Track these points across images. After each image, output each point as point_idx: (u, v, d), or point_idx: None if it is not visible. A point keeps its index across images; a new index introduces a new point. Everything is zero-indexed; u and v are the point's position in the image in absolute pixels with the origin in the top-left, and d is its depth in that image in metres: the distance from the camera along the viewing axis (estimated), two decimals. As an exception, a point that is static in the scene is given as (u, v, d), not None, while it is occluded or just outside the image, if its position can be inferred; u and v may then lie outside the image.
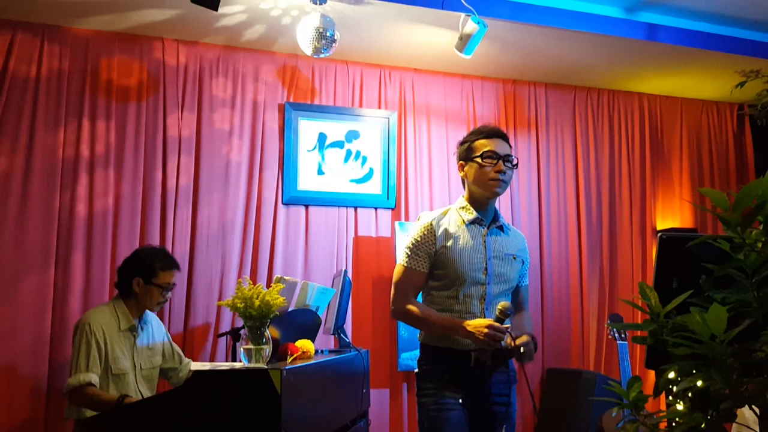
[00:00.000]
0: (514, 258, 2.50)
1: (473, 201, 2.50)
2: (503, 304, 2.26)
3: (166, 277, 3.01)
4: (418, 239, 2.45)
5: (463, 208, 2.50)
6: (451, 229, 2.45)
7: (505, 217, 4.59)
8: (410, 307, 2.43)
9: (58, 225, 3.69)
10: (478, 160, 2.44)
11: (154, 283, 2.97)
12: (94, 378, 2.78)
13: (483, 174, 2.43)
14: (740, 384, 1.19)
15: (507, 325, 2.27)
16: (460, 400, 2.36)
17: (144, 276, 2.98)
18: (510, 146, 2.51)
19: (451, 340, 2.38)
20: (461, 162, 2.52)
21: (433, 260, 2.43)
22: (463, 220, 2.47)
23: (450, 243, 2.42)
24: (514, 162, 2.49)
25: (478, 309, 2.41)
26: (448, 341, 2.39)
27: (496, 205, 2.55)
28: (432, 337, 2.44)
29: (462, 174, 2.53)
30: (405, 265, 2.46)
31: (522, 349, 2.28)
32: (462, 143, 2.54)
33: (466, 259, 2.40)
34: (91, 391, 2.75)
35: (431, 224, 2.46)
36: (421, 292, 2.52)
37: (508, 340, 2.30)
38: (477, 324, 2.28)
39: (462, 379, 2.37)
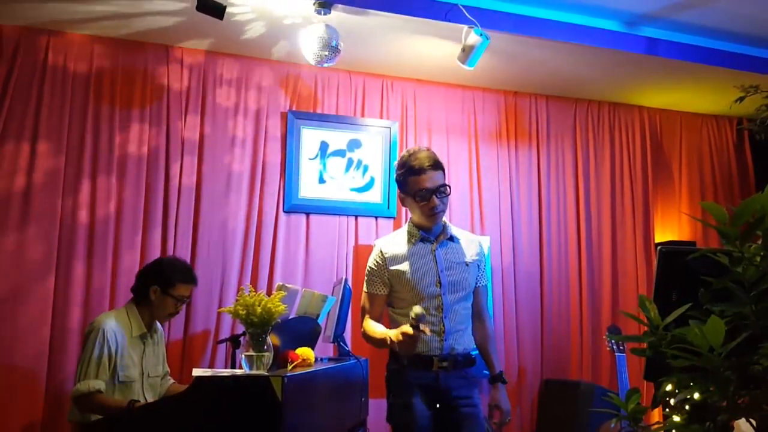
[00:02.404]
0: (467, 264, 2.65)
1: (418, 224, 2.66)
2: (415, 309, 2.33)
3: (184, 290, 3.00)
4: (373, 266, 2.67)
5: (409, 230, 2.67)
6: (401, 252, 2.63)
7: (505, 228, 4.63)
8: (365, 326, 2.64)
9: (59, 231, 3.70)
10: (411, 199, 2.60)
11: (171, 294, 2.96)
12: (102, 385, 2.75)
13: (419, 210, 2.60)
14: (737, 396, 1.20)
15: (423, 328, 2.33)
16: (426, 402, 2.50)
17: (162, 285, 2.96)
18: (443, 170, 2.62)
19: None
20: (401, 194, 2.68)
21: (389, 283, 2.62)
22: (411, 241, 2.64)
23: (401, 265, 2.60)
24: (447, 192, 2.61)
25: (437, 318, 2.54)
26: None
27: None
28: None
29: (403, 204, 2.71)
30: (365, 290, 2.69)
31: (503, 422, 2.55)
32: (398, 170, 2.65)
33: (417, 276, 2.57)
34: (100, 398, 2.73)
35: (381, 251, 2.66)
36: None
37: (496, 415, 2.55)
38: (394, 333, 2.41)
39: (425, 383, 2.51)
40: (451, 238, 2.67)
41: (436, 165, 2.58)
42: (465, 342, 2.60)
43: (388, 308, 2.70)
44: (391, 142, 4.45)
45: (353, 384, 3.05)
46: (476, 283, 2.68)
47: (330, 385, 2.81)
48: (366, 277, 2.69)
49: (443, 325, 2.54)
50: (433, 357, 2.51)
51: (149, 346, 3.02)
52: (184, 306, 3.12)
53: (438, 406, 2.51)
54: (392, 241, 2.68)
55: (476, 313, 2.71)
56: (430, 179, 2.56)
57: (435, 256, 2.60)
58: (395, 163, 2.74)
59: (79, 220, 3.74)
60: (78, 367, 2.82)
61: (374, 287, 2.64)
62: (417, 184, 2.56)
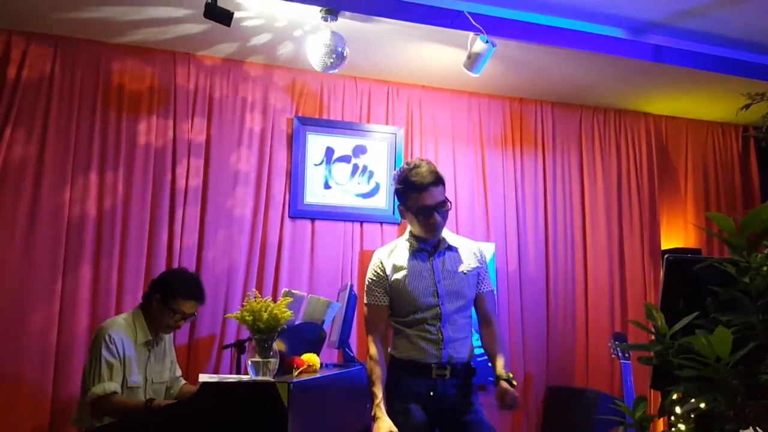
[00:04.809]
0: (465, 273, 2.64)
1: (417, 235, 2.66)
2: None
3: (184, 305, 2.94)
4: (373, 277, 2.66)
5: (407, 240, 2.68)
6: (399, 262, 2.63)
7: (511, 235, 4.62)
8: (371, 354, 2.59)
9: (66, 232, 3.72)
10: (411, 214, 2.59)
11: (170, 306, 2.92)
12: (117, 387, 2.76)
13: (419, 225, 2.60)
14: (744, 406, 1.20)
15: None
16: (424, 409, 2.53)
17: (163, 295, 2.94)
18: (443, 184, 2.59)
19: (415, 353, 2.56)
20: (400, 207, 2.66)
21: (389, 293, 2.63)
22: (409, 252, 2.64)
23: (399, 275, 2.61)
24: (448, 207, 2.61)
25: (435, 328, 2.57)
26: (411, 354, 2.57)
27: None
28: (398, 349, 2.62)
29: (402, 216, 2.69)
30: (367, 302, 2.66)
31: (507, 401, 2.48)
32: (398, 185, 2.61)
33: (415, 287, 2.58)
34: (117, 399, 2.74)
35: (381, 261, 2.66)
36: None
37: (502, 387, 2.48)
38: (378, 428, 2.45)
39: (424, 390, 2.54)
40: (449, 248, 2.66)
41: (437, 180, 2.56)
42: (465, 351, 2.61)
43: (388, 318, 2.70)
44: (396, 148, 4.46)
45: (358, 390, 3.04)
46: (478, 290, 2.67)
47: (335, 391, 2.81)
48: (366, 289, 2.67)
49: (441, 334, 2.56)
50: (432, 365, 2.54)
51: (154, 353, 3.02)
52: (186, 322, 3.07)
53: (437, 410, 2.54)
54: (391, 251, 2.68)
55: (483, 319, 2.69)
56: (431, 196, 2.54)
57: (432, 266, 2.61)
58: (394, 173, 2.74)
59: (86, 223, 3.76)
60: (88, 372, 2.81)
61: (376, 298, 2.63)
62: (418, 201, 2.54)
